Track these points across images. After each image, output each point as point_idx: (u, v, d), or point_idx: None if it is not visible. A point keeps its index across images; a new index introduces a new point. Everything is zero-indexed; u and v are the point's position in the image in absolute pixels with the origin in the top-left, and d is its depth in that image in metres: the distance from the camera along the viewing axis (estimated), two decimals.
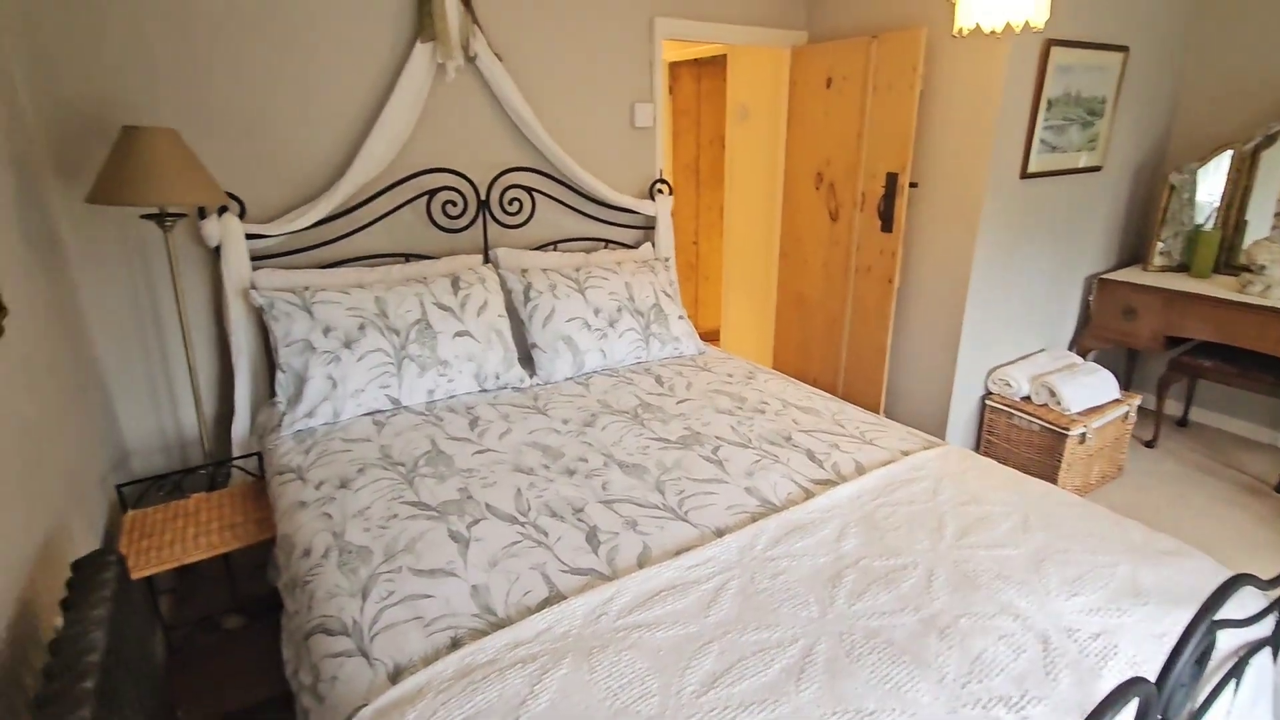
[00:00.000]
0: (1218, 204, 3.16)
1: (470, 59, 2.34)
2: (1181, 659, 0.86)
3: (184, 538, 1.64)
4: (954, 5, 2.05)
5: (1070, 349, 3.38)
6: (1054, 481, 2.76)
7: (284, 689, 1.64)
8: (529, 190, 2.58)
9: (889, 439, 1.93)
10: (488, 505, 1.55)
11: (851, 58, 2.94)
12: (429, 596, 1.27)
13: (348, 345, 1.95)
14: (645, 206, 2.86)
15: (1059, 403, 2.78)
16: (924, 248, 2.90)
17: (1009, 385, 2.93)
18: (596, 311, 2.38)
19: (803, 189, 3.34)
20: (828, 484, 1.69)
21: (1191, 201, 3.15)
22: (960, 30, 2.02)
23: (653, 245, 2.94)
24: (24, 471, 1.24)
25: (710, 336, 4.75)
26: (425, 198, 2.36)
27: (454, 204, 2.40)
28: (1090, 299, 3.30)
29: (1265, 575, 2.29)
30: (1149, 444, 3.29)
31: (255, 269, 2.08)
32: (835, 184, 3.15)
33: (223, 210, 2.00)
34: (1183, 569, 1.40)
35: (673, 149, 4.57)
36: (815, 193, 3.27)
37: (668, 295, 2.59)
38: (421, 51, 2.23)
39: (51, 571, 1.27)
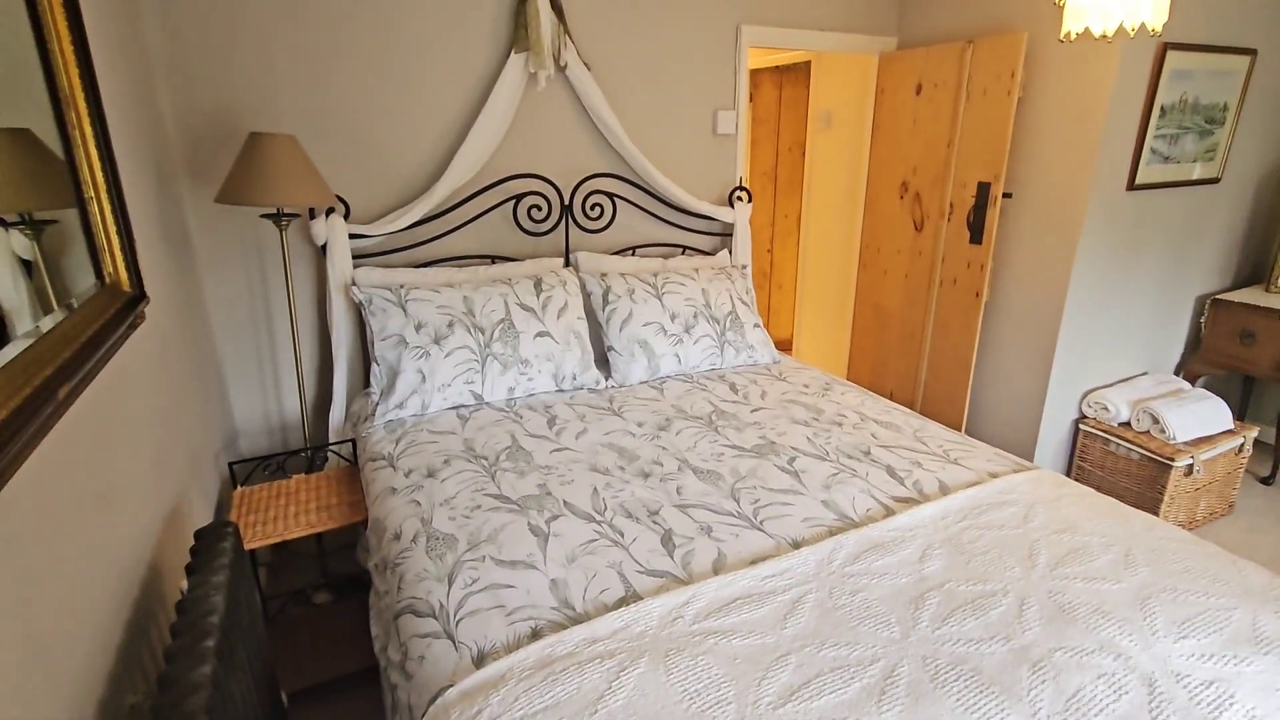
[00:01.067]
0: None
1: (560, 68, 2.41)
2: None
3: (285, 515, 1.76)
4: (1061, 8, 1.96)
5: (1177, 374, 3.15)
6: (1154, 514, 2.58)
7: (370, 663, 1.73)
8: (610, 196, 2.62)
9: (975, 459, 1.86)
10: (565, 502, 1.58)
11: (944, 63, 2.85)
12: (510, 587, 1.31)
13: (437, 341, 2.04)
14: (723, 213, 2.86)
15: (1163, 431, 2.60)
16: (1016, 261, 2.77)
17: (1106, 409, 2.76)
18: (673, 317, 2.39)
19: (886, 198, 3.26)
20: (909, 502, 1.64)
21: None
22: (1068, 34, 1.93)
23: (729, 252, 2.94)
24: (158, 445, 1.37)
25: (782, 346, 4.68)
26: (512, 202, 2.44)
27: (538, 208, 2.47)
28: (1202, 321, 3.07)
29: None
30: (1266, 480, 3.02)
31: (356, 267, 2.20)
32: (921, 193, 3.06)
33: (330, 211, 2.14)
34: None
35: (750, 156, 4.54)
36: (899, 202, 3.19)
37: (744, 303, 2.58)
38: (515, 62, 2.31)
39: (176, 539, 1.39)
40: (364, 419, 2.06)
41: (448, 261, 2.40)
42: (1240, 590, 1.34)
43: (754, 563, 1.40)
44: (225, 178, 1.84)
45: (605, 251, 2.69)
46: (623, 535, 1.47)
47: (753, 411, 2.12)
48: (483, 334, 2.09)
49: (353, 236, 2.18)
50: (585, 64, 2.44)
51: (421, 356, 2.02)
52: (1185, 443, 2.59)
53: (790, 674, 1.12)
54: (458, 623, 1.24)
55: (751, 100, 4.45)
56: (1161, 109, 2.52)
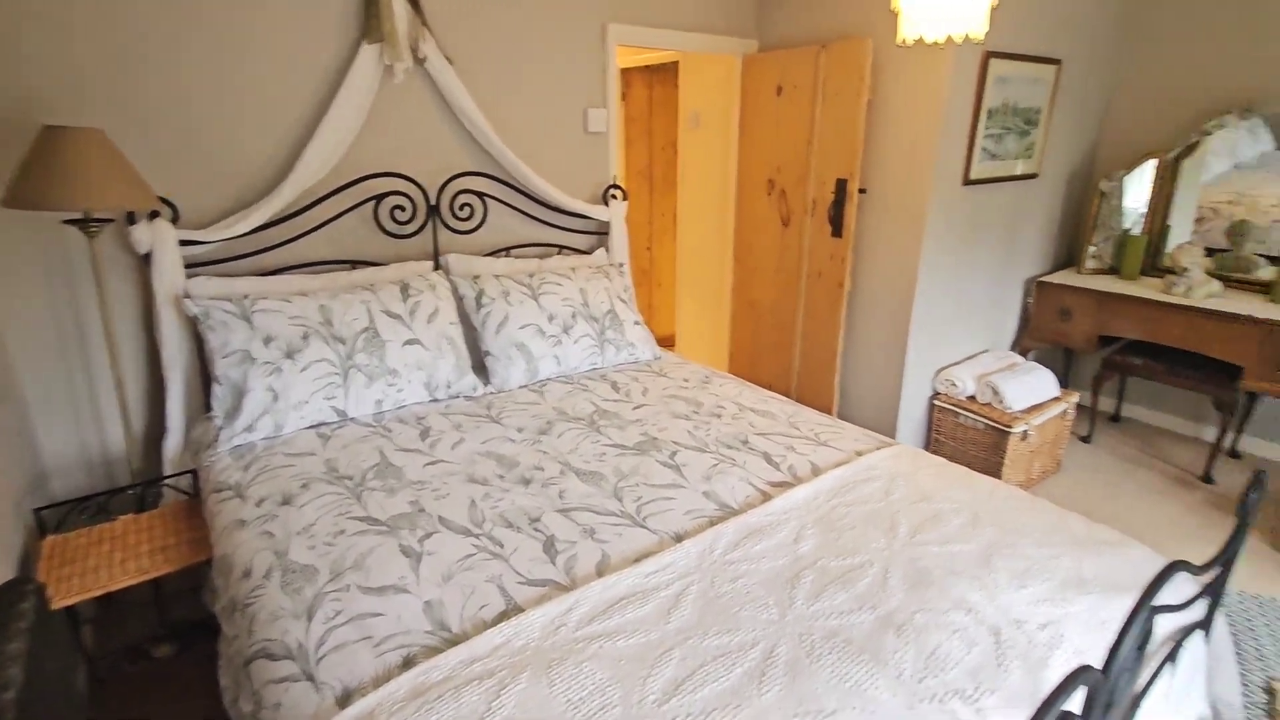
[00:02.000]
0: (1144, 210, 3.34)
1: (419, 61, 2.29)
2: (1125, 645, 0.89)
3: (110, 563, 1.54)
4: (898, 16, 2.11)
5: (1012, 349, 3.51)
6: (998, 477, 2.85)
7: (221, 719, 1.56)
8: (480, 195, 2.53)
9: (843, 440, 1.96)
10: (441, 518, 1.50)
11: (801, 66, 3.00)
12: (379, 615, 1.22)
13: (290, 355, 1.86)
14: (599, 212, 2.85)
15: (1002, 401, 2.88)
16: (873, 253, 2.97)
17: (955, 385, 3.02)
18: (550, 318, 2.35)
19: (755, 195, 3.39)
20: (785, 486, 1.70)
21: (1119, 208, 3.32)
22: (904, 40, 2.08)
23: (607, 251, 2.93)
24: None
25: (665, 342, 4.76)
26: (372, 203, 2.29)
27: (402, 209, 2.34)
28: (1029, 301, 3.44)
29: (1197, 561, 2.42)
30: (1085, 439, 3.44)
31: (190, 277, 1.97)
32: (787, 190, 3.20)
33: (154, 215, 1.90)
34: (1122, 558, 1.45)
35: (625, 155, 4.57)
36: (767, 199, 3.32)
37: (623, 301, 2.58)
38: (368, 53, 2.17)
39: None
40: (206, 446, 1.84)
41: (301, 268, 2.21)
42: (1067, 540, 1.50)
43: (638, 561, 1.39)
44: (11, 178, 1.58)
45: (478, 253, 2.59)
46: (503, 546, 1.41)
47: (635, 409, 2.12)
48: (344, 345, 1.94)
49: (184, 243, 1.95)
50: (446, 58, 2.33)
51: (272, 373, 1.84)
52: (1020, 411, 2.88)
53: (675, 668, 1.11)
54: (319, 661, 1.13)
55: (624, 99, 4.48)
56: (988, 111, 2.79)
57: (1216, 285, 2.96)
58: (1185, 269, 2.97)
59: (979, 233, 3.03)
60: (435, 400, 2.12)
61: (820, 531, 1.50)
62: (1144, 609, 0.91)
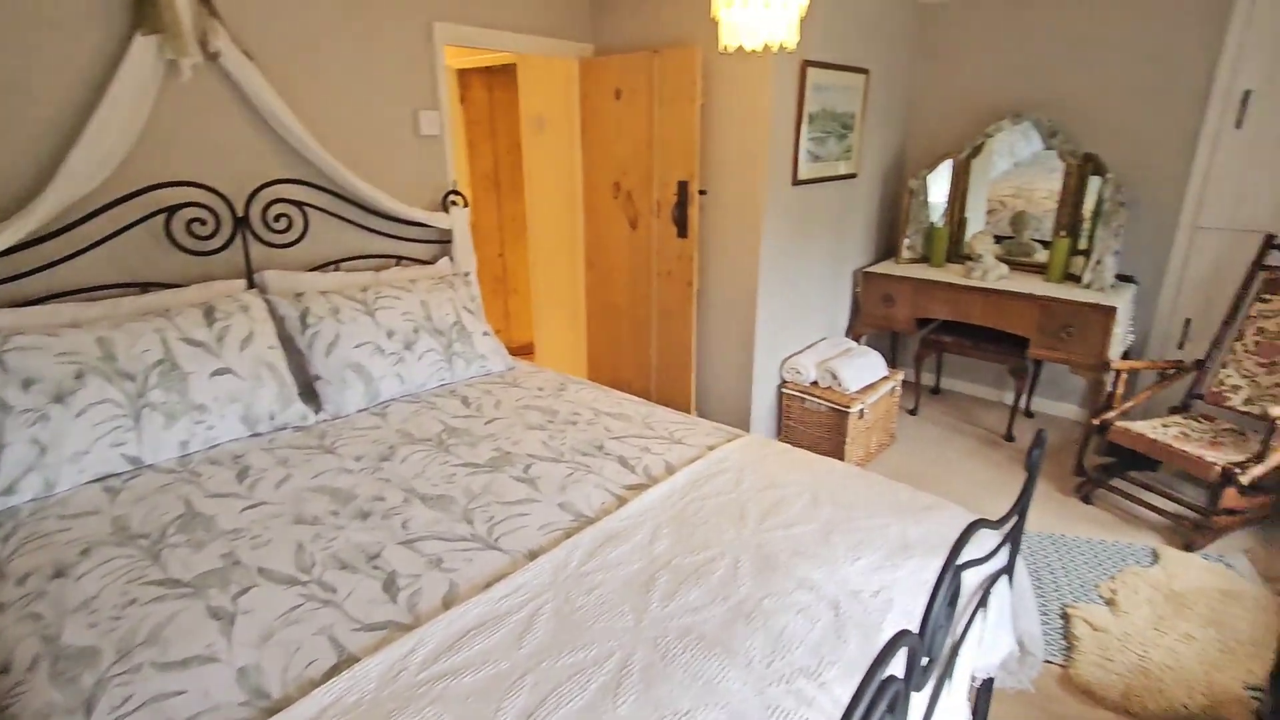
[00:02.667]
0: (945, 204, 3.75)
1: (211, 57, 2.04)
2: (935, 607, 0.97)
3: None
4: (718, 25, 2.20)
5: (846, 335, 3.80)
6: (842, 455, 3.08)
7: None
8: (300, 205, 2.31)
9: (696, 436, 2.01)
10: (260, 569, 1.33)
11: (636, 71, 3.04)
12: (181, 693, 1.05)
13: (60, 400, 1.58)
14: (439, 219, 2.71)
15: (840, 384, 3.11)
16: (718, 251, 3.09)
17: (799, 373, 3.22)
18: (390, 334, 2.19)
19: (602, 198, 3.40)
20: (640, 488, 1.71)
21: (926, 203, 3.71)
22: (725, 48, 2.17)
23: (451, 260, 2.80)
24: None
25: (524, 350, 4.68)
26: (163, 216, 2.01)
27: (202, 222, 2.07)
28: (857, 290, 3.75)
29: (1004, 510, 2.75)
30: (912, 412, 3.81)
31: None
32: (632, 192, 3.24)
33: None
34: (940, 520, 1.60)
35: (469, 159, 4.42)
36: (614, 201, 3.34)
37: (470, 312, 2.47)
38: (144, 46, 1.89)
39: None
40: None
41: (73, 295, 1.89)
42: (893, 508, 1.63)
43: (488, 586, 1.32)
44: None
45: (302, 268, 2.37)
46: (335, 592, 1.28)
47: (487, 424, 2.04)
48: (132, 382, 1.68)
49: None
50: (246, 54, 2.10)
51: (36, 422, 1.55)
52: (856, 392, 3.13)
53: (527, 696, 1.06)
54: None
55: (463, 101, 4.32)
56: (810, 116, 3.00)
57: (1005, 268, 3.39)
58: (980, 255, 3.37)
59: (810, 229, 3.24)
60: (256, 435, 1.90)
61: (675, 529, 1.51)
62: (949, 570, 1.00)
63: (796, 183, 3.03)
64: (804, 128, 2.98)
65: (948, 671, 1.25)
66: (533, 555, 1.42)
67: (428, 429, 1.99)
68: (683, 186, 3.00)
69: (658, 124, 3.03)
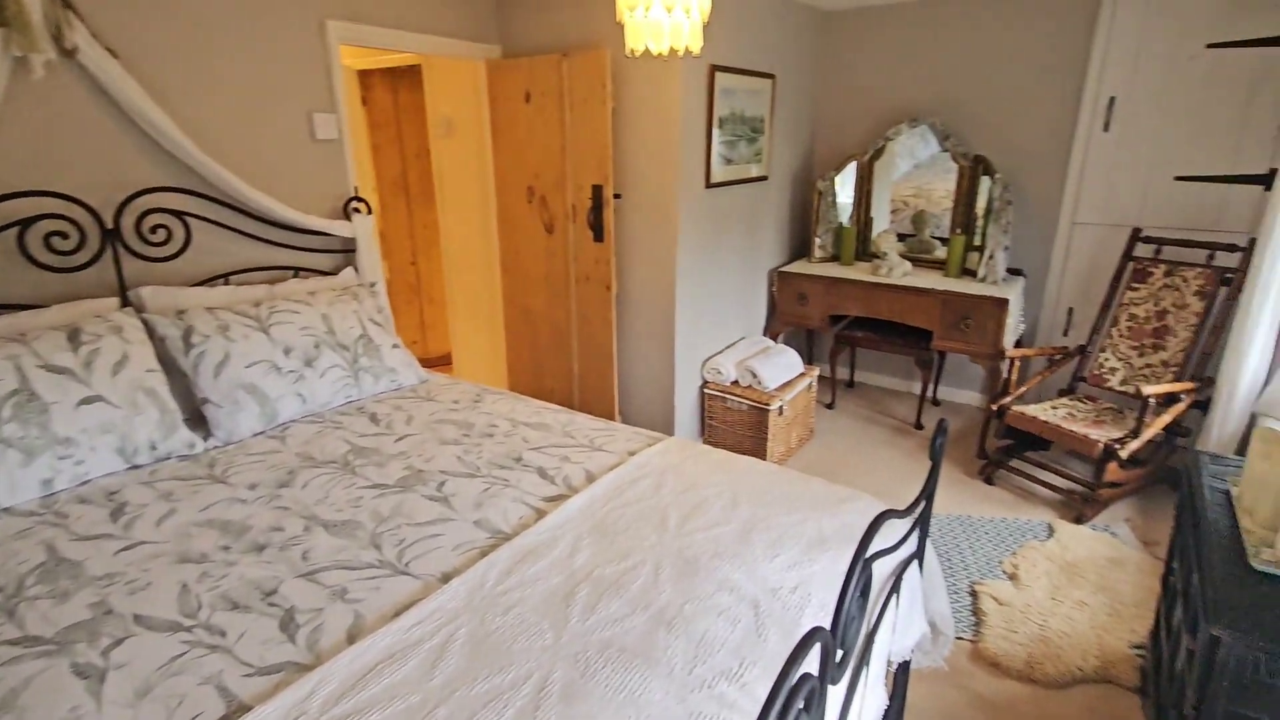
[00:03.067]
0: (853, 205, 3.91)
1: (68, 53, 1.85)
2: (847, 601, 0.99)
3: None
4: (625, 28, 2.19)
5: (764, 334, 3.89)
6: (764, 452, 3.14)
7: None
8: (180, 215, 2.14)
9: (617, 442, 1.99)
10: (136, 617, 1.21)
11: (546, 74, 3.00)
12: None
13: None
14: (340, 228, 2.58)
15: (760, 383, 3.17)
16: (634, 255, 3.08)
17: (720, 373, 3.26)
18: (287, 351, 2.06)
19: (517, 203, 3.33)
20: (560, 499, 1.67)
21: (834, 203, 3.84)
22: (632, 51, 2.16)
23: (356, 270, 2.67)
24: None
25: (443, 362, 4.53)
26: (15, 230, 1.81)
27: (64, 236, 1.88)
28: (773, 290, 3.84)
29: (912, 498, 2.87)
30: (830, 406, 3.93)
31: None
32: (547, 197, 3.19)
33: None
34: (854, 512, 1.65)
35: (375, 164, 4.25)
36: (529, 206, 3.29)
37: (377, 324, 2.36)
38: None
39: None
40: None
41: None
42: (809, 503, 1.66)
43: (398, 615, 1.25)
44: None
45: (185, 284, 2.19)
46: (224, 635, 1.18)
47: (397, 441, 1.94)
48: None
49: None
50: (110, 50, 1.92)
51: None
52: (775, 389, 3.20)
53: None
54: None
55: (365, 104, 4.15)
56: (720, 120, 3.04)
57: (908, 265, 3.56)
58: (885, 253, 3.53)
59: (725, 231, 3.30)
60: (135, 468, 1.74)
61: (595, 540, 1.48)
62: (858, 564, 1.02)
63: (710, 185, 3.07)
64: (715, 131, 3.02)
65: (864, 660, 1.28)
66: (446, 578, 1.36)
67: (332, 450, 1.88)
68: (597, 190, 2.98)
69: (570, 127, 3.00)
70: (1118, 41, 3.12)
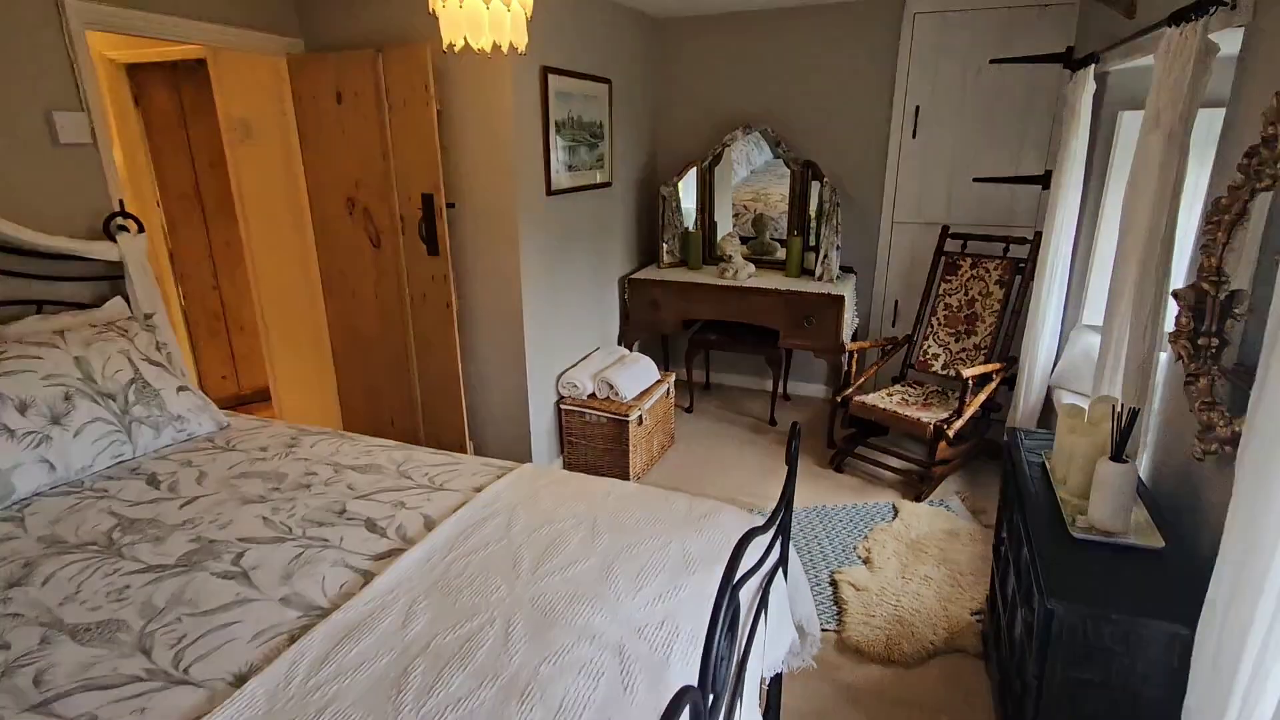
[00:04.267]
0: (696, 209, 3.95)
1: None
2: (714, 648, 0.88)
3: None
4: (437, 19, 1.99)
5: (619, 343, 3.81)
6: (627, 465, 3.05)
7: None
8: None
9: (461, 478, 1.78)
10: None
11: (359, 71, 2.70)
12: None
13: None
14: (99, 250, 2.12)
15: (617, 394, 3.08)
16: (474, 268, 2.86)
17: (576, 387, 3.13)
18: (24, 408, 1.62)
19: (335, 216, 2.98)
20: (392, 555, 1.44)
21: (679, 209, 3.86)
22: (450, 45, 1.96)
23: (128, 301, 2.21)
24: None
25: (261, 398, 4.00)
26: None
27: None
28: (625, 297, 3.78)
29: (773, 496, 2.91)
30: (689, 409, 3.94)
31: None
32: (370, 208, 2.88)
33: None
34: (719, 526, 1.58)
35: (158, 174, 3.64)
36: (350, 219, 2.95)
37: (156, 364, 1.95)
38: None
39: None
40: None
41: None
42: (672, 523, 1.57)
43: None
44: None
45: None
46: None
47: (183, 506, 1.59)
48: None
49: None
50: None
51: None
52: (632, 399, 3.12)
53: None
54: None
55: (139, 104, 3.54)
56: (557, 124, 2.91)
57: (752, 267, 3.65)
58: (730, 256, 3.59)
59: (571, 239, 3.17)
60: None
61: (435, 601, 1.28)
62: (725, 598, 0.93)
63: (551, 192, 2.93)
64: (554, 136, 2.89)
65: (737, 694, 1.20)
66: (240, 679, 1.09)
67: (91, 528, 1.49)
68: (428, 200, 2.73)
69: (392, 131, 2.72)
70: (918, 55, 3.41)
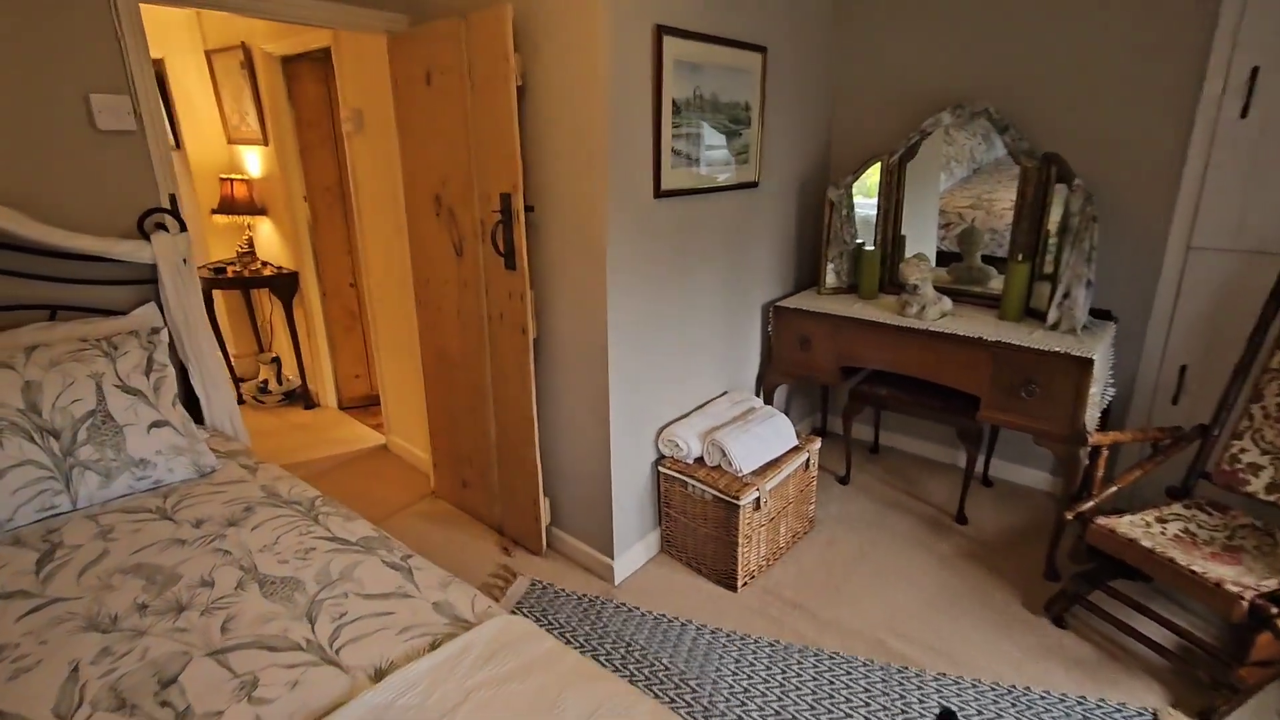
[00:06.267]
0: (876, 219, 2.98)
1: None
2: None
3: None
4: None
5: (758, 388, 3.01)
6: (734, 558, 2.27)
7: None
8: None
9: (383, 641, 1.15)
10: None
11: (446, 45, 2.24)
12: None
13: None
14: (126, 250, 1.88)
15: (730, 463, 2.30)
16: (556, 286, 2.27)
17: (679, 446, 2.41)
18: None
19: (424, 216, 2.59)
20: None
21: (850, 217, 2.93)
22: None
23: (160, 307, 1.97)
24: None
25: (371, 403, 3.89)
26: None
27: None
28: (770, 330, 2.95)
29: (937, 668, 1.89)
30: (843, 480, 3.01)
31: None
32: (455, 209, 2.43)
33: None
34: None
35: (304, 169, 3.59)
36: (437, 221, 2.53)
37: (131, 391, 1.63)
38: None
39: None
40: None
41: None
42: None
43: None
44: None
45: None
46: None
47: (20, 620, 1.18)
48: None
49: None
50: None
51: None
52: (752, 472, 2.32)
53: None
54: None
55: (292, 97, 3.50)
56: (676, 104, 2.21)
57: (948, 302, 2.62)
58: (914, 285, 2.60)
59: (692, 253, 2.44)
60: None
61: None
62: None
63: (662, 193, 2.23)
64: (666, 119, 2.19)
65: None
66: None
67: None
68: (505, 200, 2.19)
69: (472, 115, 2.23)
70: None
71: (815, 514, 2.70)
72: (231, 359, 4.15)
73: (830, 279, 2.98)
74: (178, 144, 4.24)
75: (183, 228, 2.01)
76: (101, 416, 1.55)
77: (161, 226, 1.97)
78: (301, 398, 4.06)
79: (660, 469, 2.45)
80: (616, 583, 2.38)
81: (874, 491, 2.95)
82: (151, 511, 1.50)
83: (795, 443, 2.51)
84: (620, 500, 2.35)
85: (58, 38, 1.77)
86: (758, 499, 2.27)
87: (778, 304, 2.88)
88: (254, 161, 3.91)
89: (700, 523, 2.37)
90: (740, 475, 2.30)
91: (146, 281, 1.97)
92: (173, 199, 2.04)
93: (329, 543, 1.38)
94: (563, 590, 2.33)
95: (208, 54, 3.87)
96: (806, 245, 3.16)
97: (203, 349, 2.05)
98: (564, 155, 2.10)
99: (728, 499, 2.24)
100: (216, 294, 4.04)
